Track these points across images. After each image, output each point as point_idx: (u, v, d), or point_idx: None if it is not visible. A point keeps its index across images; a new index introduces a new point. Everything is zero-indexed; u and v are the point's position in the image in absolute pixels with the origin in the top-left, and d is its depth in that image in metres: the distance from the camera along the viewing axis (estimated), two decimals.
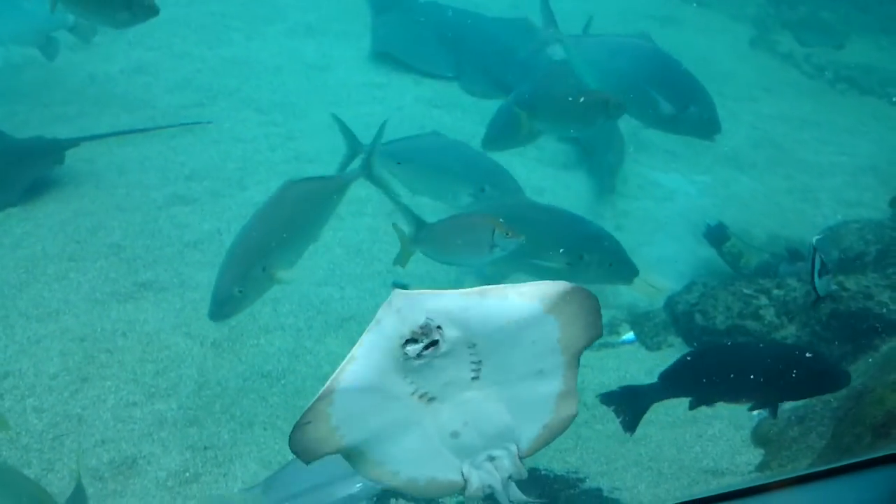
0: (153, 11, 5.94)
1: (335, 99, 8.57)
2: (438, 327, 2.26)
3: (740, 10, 11.33)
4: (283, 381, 5.16)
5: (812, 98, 9.14)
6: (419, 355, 2.26)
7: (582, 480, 4.73)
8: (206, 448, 4.67)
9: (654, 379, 5.40)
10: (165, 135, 7.66)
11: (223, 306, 4.61)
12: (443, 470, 2.50)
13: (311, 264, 5.80)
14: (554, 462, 4.84)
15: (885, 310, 5.38)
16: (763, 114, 8.64)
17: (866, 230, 6.26)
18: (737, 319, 5.51)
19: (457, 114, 8.59)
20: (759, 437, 5.06)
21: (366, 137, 7.76)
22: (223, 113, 8.10)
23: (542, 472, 4.70)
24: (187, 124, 7.80)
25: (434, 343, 2.27)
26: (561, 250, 5.08)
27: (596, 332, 2.41)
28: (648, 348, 5.72)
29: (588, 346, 2.40)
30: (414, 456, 2.46)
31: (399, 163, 5.74)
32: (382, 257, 6.28)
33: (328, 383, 2.31)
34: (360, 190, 7.21)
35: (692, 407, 4.46)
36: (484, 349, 2.35)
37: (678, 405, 5.15)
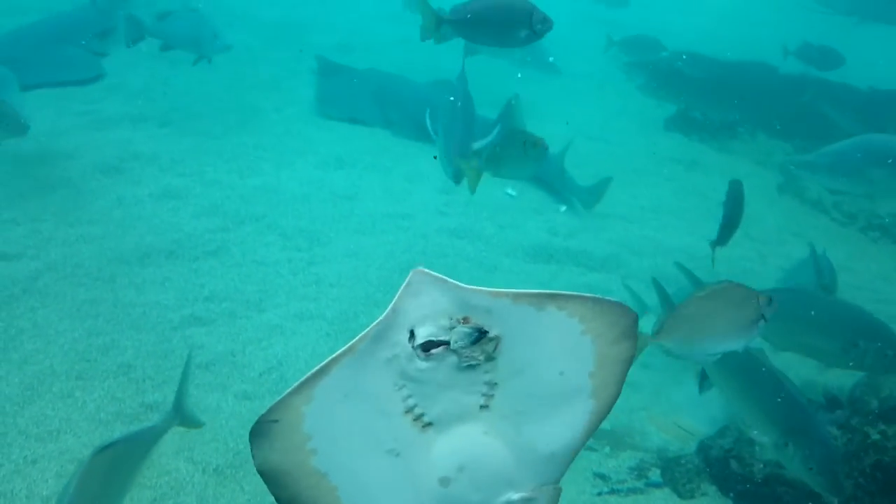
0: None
1: (360, 227, 8.57)
2: (465, 320, 1.84)
3: (767, 158, 11.43)
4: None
5: (844, 244, 8.99)
6: (429, 351, 1.83)
7: None
8: None
9: None
10: (187, 257, 7.62)
11: None
12: None
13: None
14: None
15: None
16: (794, 258, 8.48)
17: None
18: (775, 468, 5.13)
19: (479, 245, 8.55)
20: None
21: (389, 262, 7.74)
22: (248, 237, 8.08)
23: None
24: None
25: (447, 343, 1.83)
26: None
27: (629, 357, 1.96)
28: (681, 496, 5.33)
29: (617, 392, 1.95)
30: (387, 498, 1.96)
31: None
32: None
33: (310, 373, 1.85)
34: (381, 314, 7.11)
35: None
36: (502, 367, 1.90)
37: None
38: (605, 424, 4.99)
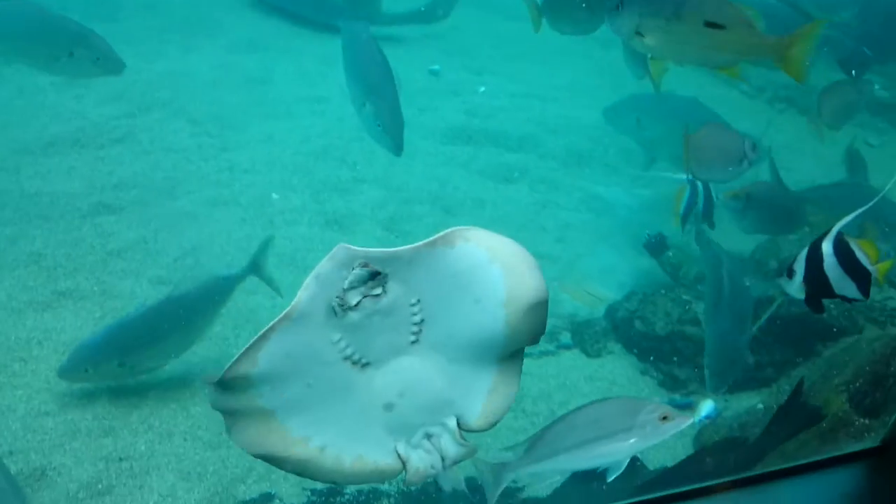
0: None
1: (274, 112, 8.40)
2: (380, 274, 2.01)
3: None
4: (205, 391, 4.90)
5: (751, 117, 9.22)
6: (357, 304, 2.00)
7: (520, 489, 4.55)
8: (121, 459, 4.38)
9: (593, 384, 5.33)
10: (93, 145, 7.39)
11: (68, 372, 4.63)
12: (374, 448, 2.19)
13: None
14: None
15: (826, 315, 5.36)
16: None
17: (805, 239, 6.27)
18: (676, 325, 5.44)
19: None
20: (701, 444, 4.96)
21: (304, 147, 7.66)
22: (156, 124, 7.85)
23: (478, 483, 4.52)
24: None
25: (376, 297, 2.02)
26: None
27: (541, 324, 2.15)
28: (589, 355, 5.60)
29: (530, 336, 2.14)
30: (342, 430, 2.16)
31: None
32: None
33: (252, 341, 2.02)
34: (296, 200, 7.08)
35: None
36: (428, 305, 2.09)
37: None
38: None
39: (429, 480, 2.35)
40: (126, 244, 6.12)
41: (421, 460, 2.21)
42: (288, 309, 2.01)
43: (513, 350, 2.19)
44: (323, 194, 7.19)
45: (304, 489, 4.40)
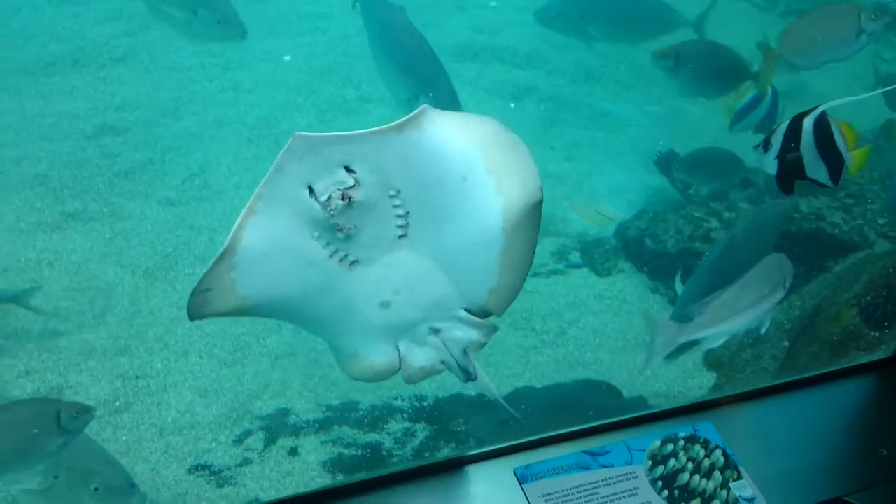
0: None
1: (276, 29, 8.23)
2: (350, 169, 1.86)
3: None
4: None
5: (763, 28, 9.01)
6: (331, 205, 1.86)
7: None
8: (137, 377, 4.43)
9: (603, 302, 5.35)
10: (94, 64, 7.27)
11: None
12: (371, 347, 2.14)
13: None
14: (502, 387, 4.71)
15: (836, 231, 5.34)
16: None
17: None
18: (687, 242, 5.42)
19: None
20: (712, 361, 5.00)
21: (308, 65, 7.52)
22: (156, 42, 7.70)
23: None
24: None
25: (350, 188, 1.87)
26: None
27: (534, 186, 1.98)
28: (598, 274, 5.59)
29: (527, 205, 1.98)
30: (337, 327, 2.10)
31: None
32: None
33: (227, 241, 1.92)
34: (301, 119, 7.00)
35: None
36: (409, 196, 1.94)
37: (628, 329, 5.09)
38: None
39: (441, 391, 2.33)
40: (133, 165, 6.07)
41: (424, 356, 2.16)
42: (248, 204, 1.90)
43: (514, 231, 2.04)
44: (329, 114, 7.10)
45: (318, 404, 4.47)
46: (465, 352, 2.18)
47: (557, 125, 7.37)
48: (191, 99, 6.96)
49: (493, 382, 3.29)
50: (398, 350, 2.16)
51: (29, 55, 7.31)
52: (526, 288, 5.45)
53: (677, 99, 7.74)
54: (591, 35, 6.87)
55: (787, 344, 4.73)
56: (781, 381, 3.42)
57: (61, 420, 3.31)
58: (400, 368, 2.17)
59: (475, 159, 1.95)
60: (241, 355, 4.67)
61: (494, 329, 2.16)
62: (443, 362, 2.19)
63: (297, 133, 1.83)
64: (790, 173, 3.10)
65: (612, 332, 5.03)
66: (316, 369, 4.62)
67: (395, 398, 4.55)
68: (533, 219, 2.03)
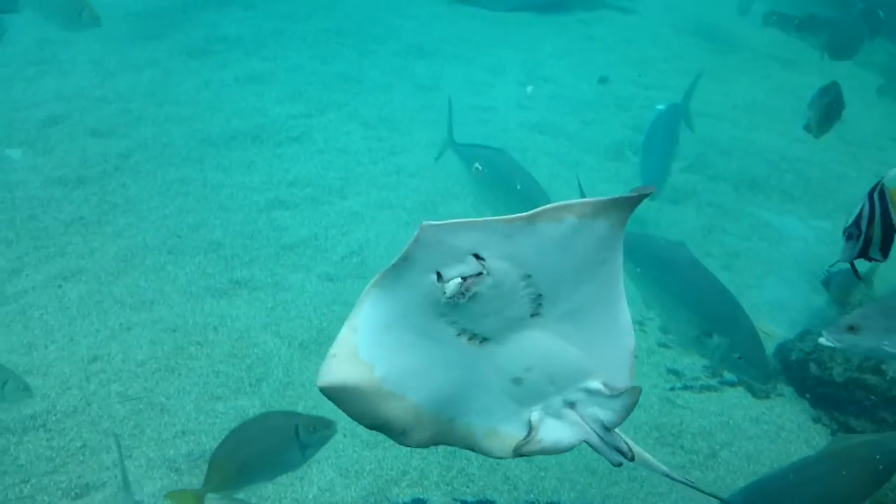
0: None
1: (441, 119, 8.50)
2: (478, 257, 1.89)
3: (868, 58, 10.79)
4: None
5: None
6: (460, 293, 1.90)
7: None
8: None
9: (760, 426, 5.05)
10: (272, 141, 7.74)
11: None
12: (506, 421, 2.11)
13: None
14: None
15: None
16: (890, 163, 8.10)
17: None
18: (856, 373, 5.06)
19: (561, 140, 8.41)
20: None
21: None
22: (330, 125, 8.13)
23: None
24: None
25: (478, 275, 1.90)
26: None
27: None
28: (756, 395, 5.31)
29: None
30: (468, 403, 2.09)
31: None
32: None
33: (352, 311, 1.97)
34: (457, 207, 7.12)
35: None
36: (542, 280, 1.96)
37: (786, 459, 4.77)
38: None
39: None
40: (298, 239, 6.37)
41: (559, 430, 2.12)
42: (377, 276, 1.96)
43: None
44: (484, 204, 7.21)
45: (454, 499, 4.42)
46: (608, 429, 2.12)
47: (716, 232, 7.17)
48: (357, 180, 7.27)
49: None
50: (529, 422, 2.13)
51: (213, 128, 7.87)
52: (675, 401, 5.28)
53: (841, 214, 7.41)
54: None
55: None
56: None
57: (300, 434, 3.60)
58: (540, 441, 2.13)
59: (613, 251, 1.98)
60: (383, 438, 4.66)
61: (638, 391, 2.09)
62: (588, 442, 2.13)
63: (425, 223, 1.87)
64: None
65: (767, 460, 4.74)
66: (455, 461, 4.59)
67: (531, 502, 4.45)
68: None
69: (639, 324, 5.94)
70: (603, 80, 9.18)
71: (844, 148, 8.56)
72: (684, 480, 2.28)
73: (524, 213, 1.90)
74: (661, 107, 9.11)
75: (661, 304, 5.04)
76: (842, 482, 3.65)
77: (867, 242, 3.06)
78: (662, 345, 5.77)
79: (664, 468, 2.22)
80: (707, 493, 2.26)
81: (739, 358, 4.46)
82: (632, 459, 2.15)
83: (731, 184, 7.89)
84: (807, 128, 5.74)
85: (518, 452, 2.13)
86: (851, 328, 3.39)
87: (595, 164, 8.17)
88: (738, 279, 6.57)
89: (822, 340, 3.42)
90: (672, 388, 5.34)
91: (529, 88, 9.37)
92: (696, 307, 4.69)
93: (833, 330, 3.42)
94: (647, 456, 2.22)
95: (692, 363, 5.57)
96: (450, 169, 7.71)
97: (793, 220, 7.32)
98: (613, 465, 2.16)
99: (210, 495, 3.70)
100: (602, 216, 1.95)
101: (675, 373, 5.51)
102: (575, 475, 4.57)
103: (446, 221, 1.87)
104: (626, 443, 2.12)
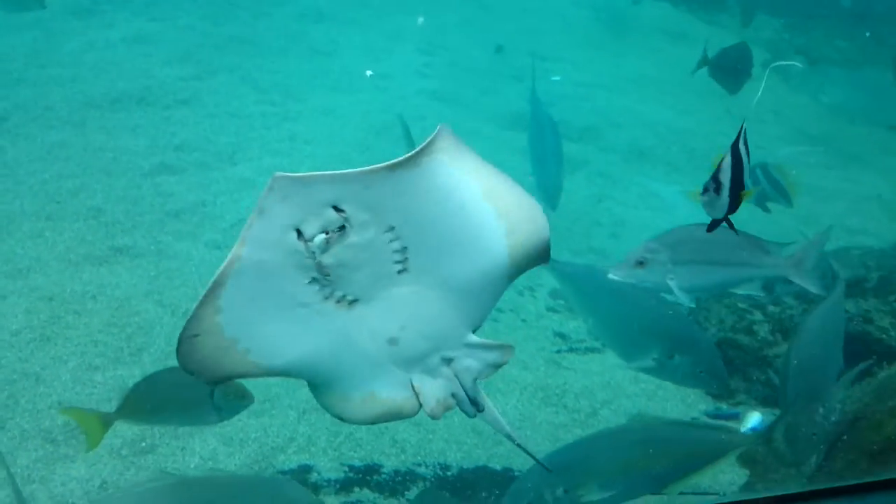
0: None
1: (337, 85, 8.42)
2: (339, 209, 1.82)
3: (755, 34, 11.21)
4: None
5: (820, 123, 9.01)
6: (322, 247, 1.82)
7: None
8: None
9: (638, 385, 5.25)
10: (159, 105, 7.49)
11: None
12: (387, 384, 2.06)
13: None
14: (528, 464, 4.63)
15: (884, 335, 5.20)
16: (770, 135, 8.49)
17: (868, 256, 6.11)
18: (729, 333, 5.31)
19: (458, 109, 8.44)
20: (745, 458, 4.85)
21: (365, 122, 7.62)
22: (221, 88, 7.93)
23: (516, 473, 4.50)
24: None
25: (340, 229, 1.83)
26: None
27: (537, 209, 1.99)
28: None
29: (532, 227, 1.96)
30: (341, 369, 2.02)
31: None
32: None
33: (209, 284, 1.86)
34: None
35: None
36: (406, 231, 1.89)
37: (662, 415, 4.98)
38: None
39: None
40: (185, 205, 6.20)
41: (438, 388, 2.09)
42: (232, 250, 1.85)
43: (519, 258, 2.02)
44: None
45: (342, 464, 4.43)
46: (474, 381, 2.12)
47: (605, 201, 7.36)
48: (248, 146, 7.12)
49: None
50: (412, 385, 2.09)
51: (97, 90, 7.57)
52: (561, 363, 5.40)
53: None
54: None
55: (823, 447, 4.58)
56: (816, 487, 3.31)
57: (214, 396, 3.53)
58: (420, 404, 2.10)
59: (474, 196, 1.93)
60: (269, 406, 4.66)
61: (510, 348, 2.10)
62: (453, 395, 2.11)
63: (278, 174, 1.79)
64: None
65: None
66: (343, 427, 4.59)
67: (419, 465, 4.50)
68: (538, 257, 2.04)
69: (529, 289, 6.06)
70: (499, 50, 9.24)
71: (728, 120, 8.87)
72: (520, 444, 2.28)
73: (384, 163, 1.83)
74: (556, 77, 9.30)
75: (611, 335, 4.95)
76: (646, 458, 3.67)
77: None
78: (551, 309, 5.91)
79: (507, 429, 2.22)
80: (533, 458, 2.30)
81: (701, 373, 4.44)
82: (482, 411, 2.16)
83: (621, 154, 8.10)
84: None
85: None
86: (640, 262, 3.48)
87: (492, 133, 8.24)
88: (625, 246, 6.77)
89: (610, 275, 3.50)
90: (559, 351, 5.48)
91: (368, 73, 9.17)
92: (654, 331, 4.49)
93: (622, 265, 3.51)
94: (497, 415, 2.21)
95: (577, 326, 5.73)
96: (346, 137, 7.66)
97: (677, 189, 7.58)
98: (468, 416, 2.16)
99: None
100: (459, 159, 1.92)
101: (562, 336, 5.66)
102: (462, 436, 4.65)
103: (301, 174, 1.79)
104: (483, 396, 2.14)
